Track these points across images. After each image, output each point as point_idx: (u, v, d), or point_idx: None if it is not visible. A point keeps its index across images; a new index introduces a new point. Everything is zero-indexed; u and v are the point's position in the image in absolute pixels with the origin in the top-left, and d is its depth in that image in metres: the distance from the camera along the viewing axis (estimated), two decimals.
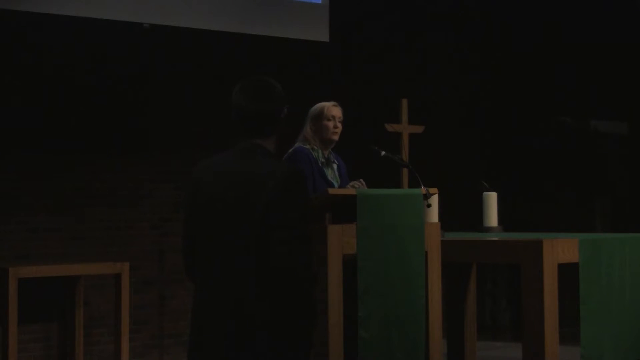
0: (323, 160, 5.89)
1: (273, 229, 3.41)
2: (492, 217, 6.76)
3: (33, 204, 7.86)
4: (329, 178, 5.86)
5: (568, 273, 5.86)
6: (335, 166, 5.97)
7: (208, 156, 3.71)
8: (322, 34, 9.00)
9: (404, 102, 7.67)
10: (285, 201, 3.44)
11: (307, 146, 5.88)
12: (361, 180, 5.72)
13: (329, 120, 5.91)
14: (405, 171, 7.29)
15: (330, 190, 5.16)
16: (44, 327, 7.86)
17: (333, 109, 5.95)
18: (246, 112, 3.60)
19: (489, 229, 6.71)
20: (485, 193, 6.81)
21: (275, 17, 8.73)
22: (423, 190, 5.41)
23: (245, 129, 3.61)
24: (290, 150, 5.87)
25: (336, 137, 5.94)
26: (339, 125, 5.94)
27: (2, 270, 7.13)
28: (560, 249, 5.72)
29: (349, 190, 5.32)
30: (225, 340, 3.45)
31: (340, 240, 5.06)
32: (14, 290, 7.07)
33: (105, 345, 8.10)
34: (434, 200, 6.03)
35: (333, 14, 9.09)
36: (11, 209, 7.77)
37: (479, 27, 10.72)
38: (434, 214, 6.07)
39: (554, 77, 10.96)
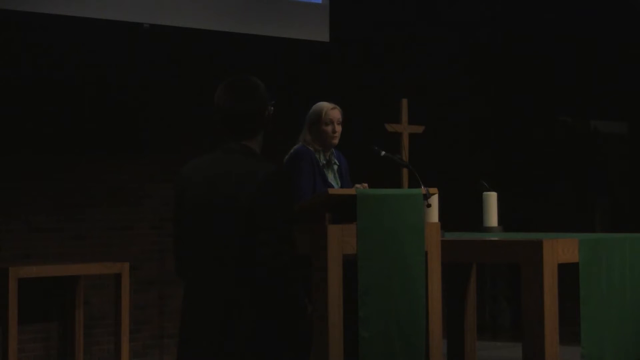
0: (324, 162, 5.85)
1: (258, 230, 3.42)
2: (492, 217, 6.75)
3: (33, 204, 7.86)
4: (330, 180, 5.82)
5: (568, 273, 5.85)
6: (336, 167, 5.93)
7: None
8: (322, 34, 9.00)
9: (404, 102, 7.66)
10: (270, 202, 3.45)
11: (310, 147, 5.84)
12: (365, 184, 5.67)
13: (327, 124, 5.80)
14: (405, 171, 7.29)
15: (330, 190, 5.15)
16: (44, 327, 7.86)
17: (331, 112, 5.83)
18: (231, 113, 3.59)
19: (489, 229, 6.71)
20: (485, 193, 6.81)
21: (275, 17, 8.72)
22: (423, 190, 5.40)
23: (231, 129, 3.60)
24: (292, 150, 5.85)
25: (336, 141, 5.84)
26: (338, 128, 5.83)
27: (2, 270, 7.12)
28: (560, 249, 5.72)
29: (349, 190, 5.32)
30: (216, 339, 3.46)
31: (340, 240, 5.06)
32: (14, 290, 7.07)
33: (105, 345, 8.10)
34: (434, 200, 6.02)
35: (333, 14, 9.08)
36: (11, 209, 7.76)
37: (479, 27, 10.71)
38: (434, 214, 6.07)
39: (554, 77, 10.96)
